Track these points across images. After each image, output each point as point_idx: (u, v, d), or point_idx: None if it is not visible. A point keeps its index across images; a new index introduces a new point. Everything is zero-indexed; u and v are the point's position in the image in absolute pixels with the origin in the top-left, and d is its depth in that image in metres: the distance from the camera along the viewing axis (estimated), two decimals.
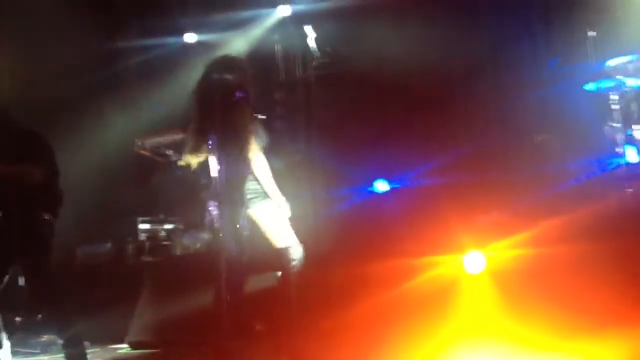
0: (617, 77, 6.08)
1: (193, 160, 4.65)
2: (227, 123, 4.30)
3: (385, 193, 7.01)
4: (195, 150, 4.59)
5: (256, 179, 4.51)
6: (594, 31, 6.02)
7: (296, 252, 4.55)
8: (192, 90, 4.67)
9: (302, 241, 4.63)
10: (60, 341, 4.83)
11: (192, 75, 4.99)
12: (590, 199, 3.91)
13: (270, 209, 4.52)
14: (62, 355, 4.87)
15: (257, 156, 4.45)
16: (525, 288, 3.75)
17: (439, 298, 4.66)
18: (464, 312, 4.45)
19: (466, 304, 4.52)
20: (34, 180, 4.77)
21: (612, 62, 6.21)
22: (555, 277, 3.58)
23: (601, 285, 3.46)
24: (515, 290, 3.97)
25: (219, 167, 4.15)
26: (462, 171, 6.03)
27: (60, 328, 4.80)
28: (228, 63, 4.64)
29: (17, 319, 6.50)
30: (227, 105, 4.30)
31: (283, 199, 4.54)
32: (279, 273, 4.71)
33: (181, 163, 4.90)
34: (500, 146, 6.52)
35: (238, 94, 4.37)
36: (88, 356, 4.97)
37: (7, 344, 4.85)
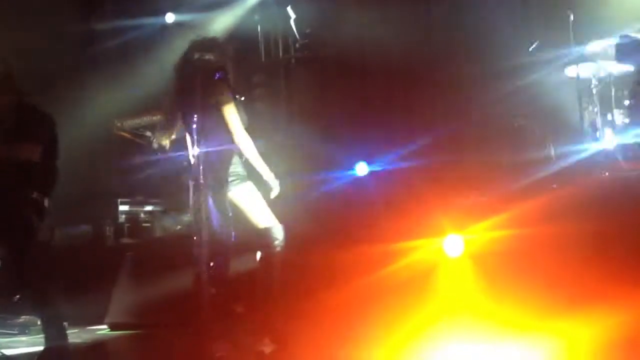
0: (597, 61, 6.13)
1: (165, 140, 4.64)
2: (207, 104, 4.28)
3: (366, 176, 7.02)
4: (169, 130, 4.58)
5: (235, 161, 4.51)
6: (573, 14, 6.05)
7: (278, 233, 4.56)
8: (171, 70, 4.63)
9: (282, 223, 4.64)
10: (40, 322, 4.77)
11: (172, 56, 4.94)
12: (568, 183, 3.96)
13: (251, 190, 4.52)
14: (41, 336, 4.84)
15: (242, 136, 4.44)
16: (505, 270, 3.80)
17: (419, 281, 4.70)
18: (444, 295, 4.49)
19: (446, 286, 4.56)
20: (34, 157, 4.67)
21: (591, 47, 6.25)
22: (534, 258, 3.63)
23: (578, 266, 3.51)
24: (495, 272, 4.02)
25: (199, 149, 4.14)
26: (442, 154, 6.06)
27: (41, 308, 4.74)
28: (208, 43, 4.60)
29: None
30: (207, 85, 4.28)
31: (272, 175, 4.54)
32: (259, 255, 4.70)
33: (154, 144, 4.88)
34: (479, 130, 6.56)
35: (218, 75, 4.35)
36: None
37: None
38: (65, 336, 4.78)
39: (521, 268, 3.71)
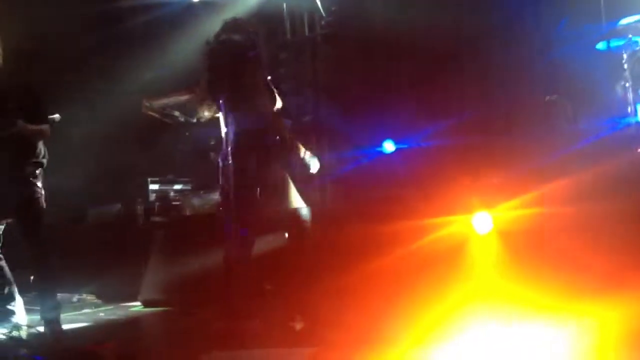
0: (629, 36, 6.03)
1: (207, 113, 4.69)
2: (239, 84, 4.32)
3: (393, 153, 7.01)
4: (208, 105, 4.63)
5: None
6: None
7: (306, 213, 4.60)
8: (202, 52, 4.66)
9: (311, 202, 4.68)
10: (40, 307, 4.84)
11: (199, 35, 4.96)
12: (600, 160, 3.90)
13: (280, 171, 4.55)
14: (74, 313, 4.92)
15: (274, 116, 4.48)
16: (532, 248, 3.78)
17: (448, 258, 4.70)
18: (473, 272, 4.49)
19: (474, 264, 4.56)
20: (46, 136, 4.77)
21: (623, 21, 6.14)
22: (563, 237, 3.60)
23: (608, 247, 3.48)
24: (523, 250, 4.00)
25: (230, 128, 4.18)
26: (471, 132, 6.02)
27: (44, 295, 4.82)
28: (239, 25, 4.62)
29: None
30: (240, 66, 4.31)
31: (308, 153, 4.58)
32: (287, 234, 4.75)
33: (193, 119, 4.93)
34: (509, 107, 6.50)
35: (251, 53, 4.38)
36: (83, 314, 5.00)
37: (19, 299, 4.92)
38: (59, 307, 4.87)
39: (549, 246, 3.69)
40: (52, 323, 4.77)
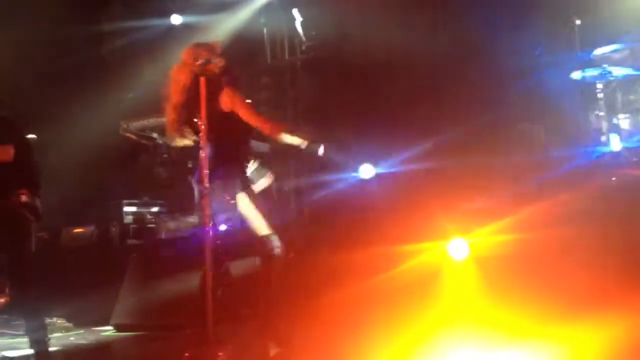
0: (603, 66, 6.13)
1: (180, 143, 4.68)
2: (215, 107, 4.32)
3: (371, 178, 7.02)
4: (181, 134, 4.62)
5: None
6: (579, 20, 6.04)
7: (276, 240, 4.58)
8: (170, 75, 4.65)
9: (286, 225, 4.67)
10: (23, 315, 4.80)
11: (178, 57, 4.96)
12: (574, 187, 3.95)
13: (252, 198, 4.54)
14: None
15: (267, 121, 4.48)
16: (510, 274, 3.79)
17: (424, 284, 4.70)
18: (449, 298, 4.49)
19: (451, 290, 4.56)
20: (8, 158, 4.71)
21: (597, 51, 6.25)
22: (539, 262, 3.62)
23: (584, 271, 3.51)
24: (500, 276, 4.01)
25: (207, 152, 4.18)
26: (447, 158, 6.05)
27: (27, 314, 4.76)
28: (209, 48, 4.62)
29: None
30: (215, 89, 4.32)
31: (307, 142, 4.59)
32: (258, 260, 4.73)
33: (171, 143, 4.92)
34: (485, 133, 6.55)
35: (225, 79, 4.39)
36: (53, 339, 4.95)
37: None
38: (45, 327, 4.82)
39: (526, 272, 3.71)
40: (39, 343, 4.69)
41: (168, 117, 4.63)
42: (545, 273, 3.59)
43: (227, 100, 4.45)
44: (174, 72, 4.58)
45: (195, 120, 4.31)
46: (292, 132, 4.53)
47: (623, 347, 3.39)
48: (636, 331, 3.44)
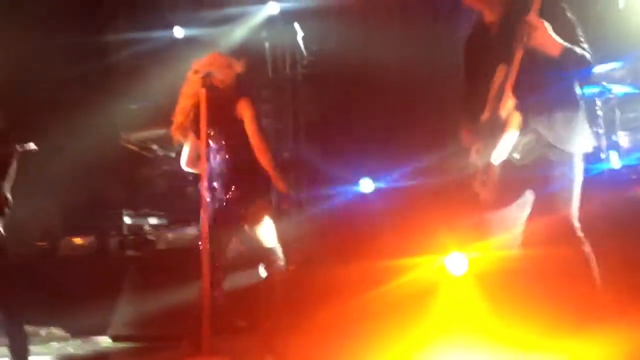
0: (602, 83, 6.16)
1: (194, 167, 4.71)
2: (225, 119, 4.37)
3: (370, 193, 7.04)
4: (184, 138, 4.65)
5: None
6: None
7: (280, 252, 4.59)
8: (181, 86, 4.68)
9: (287, 239, 4.68)
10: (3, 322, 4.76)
11: (180, 69, 4.99)
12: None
13: (261, 209, 4.55)
14: (41, 346, 4.80)
15: (264, 147, 4.50)
16: (509, 290, 3.79)
17: (422, 298, 4.69)
18: (447, 313, 4.48)
19: (449, 305, 4.55)
20: None
21: (597, 69, 6.28)
22: (539, 278, 3.62)
23: (584, 286, 3.52)
24: (499, 292, 4.01)
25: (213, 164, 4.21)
26: (447, 172, 6.06)
27: (12, 331, 4.73)
28: (218, 60, 4.66)
29: None
30: (224, 102, 4.38)
31: (288, 187, 4.62)
32: (262, 271, 4.73)
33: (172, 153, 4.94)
34: None
35: (239, 91, 4.46)
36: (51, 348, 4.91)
37: None
38: (25, 334, 4.78)
39: (526, 288, 3.71)
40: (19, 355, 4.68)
41: (175, 120, 4.65)
42: (545, 290, 3.59)
43: (241, 110, 4.49)
44: (189, 77, 4.62)
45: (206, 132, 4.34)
46: (278, 176, 4.53)
47: None
48: (636, 347, 3.44)
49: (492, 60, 3.62)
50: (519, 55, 3.45)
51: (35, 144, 5.00)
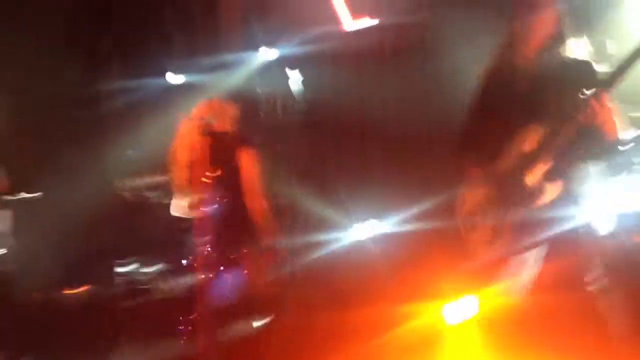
0: None
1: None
2: (227, 165, 4.36)
3: (368, 238, 7.00)
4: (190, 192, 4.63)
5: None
6: None
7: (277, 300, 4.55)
8: (178, 132, 4.67)
9: (286, 284, 4.63)
10: None
11: (175, 116, 4.99)
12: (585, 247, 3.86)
13: (255, 256, 4.53)
14: None
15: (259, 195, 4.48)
16: (515, 338, 3.71)
17: (424, 346, 4.61)
18: None
19: (452, 353, 4.47)
20: None
21: None
22: (546, 327, 3.55)
23: (596, 337, 3.44)
24: (503, 340, 3.93)
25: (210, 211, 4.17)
26: (448, 215, 6.02)
27: None
28: (216, 107, 4.67)
29: None
30: (221, 149, 4.36)
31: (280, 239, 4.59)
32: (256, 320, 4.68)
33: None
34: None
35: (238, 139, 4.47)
36: None
37: None
38: None
39: (533, 337, 3.63)
40: None
41: (176, 176, 4.63)
42: (554, 340, 3.50)
43: (240, 156, 4.49)
44: (185, 125, 4.61)
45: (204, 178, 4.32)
46: (264, 228, 4.53)
47: None
48: None
49: (517, 112, 3.53)
50: (572, 126, 3.34)
51: (27, 193, 4.96)
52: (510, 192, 3.53)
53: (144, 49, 8.82)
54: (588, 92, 3.24)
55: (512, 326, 3.77)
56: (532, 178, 3.45)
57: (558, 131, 3.33)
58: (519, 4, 3.62)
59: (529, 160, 3.44)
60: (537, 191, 3.44)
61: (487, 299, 4.35)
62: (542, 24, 3.54)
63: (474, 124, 3.86)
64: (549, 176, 3.42)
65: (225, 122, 4.68)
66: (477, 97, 3.83)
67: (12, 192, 4.90)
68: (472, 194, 3.89)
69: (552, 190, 3.42)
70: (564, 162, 3.41)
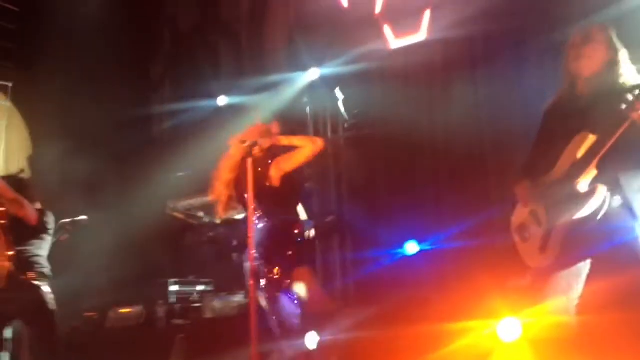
0: None
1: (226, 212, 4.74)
2: (266, 186, 4.40)
3: (416, 255, 6.94)
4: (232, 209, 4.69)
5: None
6: None
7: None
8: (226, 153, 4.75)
9: (338, 302, 4.63)
10: None
11: (224, 137, 5.07)
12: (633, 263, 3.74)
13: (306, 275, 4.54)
14: None
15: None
16: (567, 357, 3.62)
17: None
18: None
19: None
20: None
21: None
22: (596, 347, 3.44)
23: None
24: (558, 359, 3.85)
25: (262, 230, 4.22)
26: (496, 233, 5.95)
27: None
28: (262, 129, 4.73)
29: None
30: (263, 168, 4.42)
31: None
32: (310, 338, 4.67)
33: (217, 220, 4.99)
34: None
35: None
36: None
37: None
38: None
39: (584, 357, 3.52)
40: None
41: (219, 193, 4.71)
42: (607, 359, 3.40)
43: (275, 171, 4.53)
44: (230, 149, 4.70)
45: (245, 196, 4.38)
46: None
47: None
48: None
49: (573, 125, 3.51)
50: (623, 127, 3.32)
51: (84, 215, 5.11)
52: (562, 199, 3.48)
53: (194, 72, 9.01)
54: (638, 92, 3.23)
55: (563, 345, 3.68)
56: (583, 184, 3.40)
57: (610, 133, 3.30)
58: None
59: (581, 166, 3.41)
60: (589, 197, 3.39)
61: (539, 317, 4.26)
62: (595, 52, 3.55)
63: (535, 154, 3.87)
64: (602, 182, 3.36)
65: (271, 143, 4.73)
66: (541, 131, 3.84)
67: (66, 215, 5.05)
68: (524, 205, 3.85)
69: (604, 197, 3.36)
70: (615, 167, 3.36)
